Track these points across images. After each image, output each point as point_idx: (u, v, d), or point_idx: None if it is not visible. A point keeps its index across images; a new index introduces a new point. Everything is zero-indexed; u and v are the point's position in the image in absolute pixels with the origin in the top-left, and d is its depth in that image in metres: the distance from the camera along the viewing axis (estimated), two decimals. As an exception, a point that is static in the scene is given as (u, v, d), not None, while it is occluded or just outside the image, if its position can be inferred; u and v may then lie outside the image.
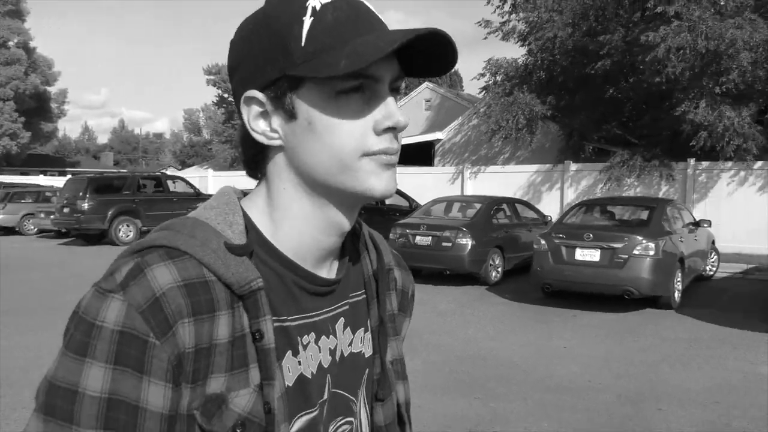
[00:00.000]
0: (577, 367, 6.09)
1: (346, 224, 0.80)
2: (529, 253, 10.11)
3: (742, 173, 13.77)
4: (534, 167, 17.13)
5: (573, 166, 16.28)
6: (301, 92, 0.74)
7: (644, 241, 8.26)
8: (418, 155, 21.43)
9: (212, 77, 44.39)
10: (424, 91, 27.57)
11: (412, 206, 14.56)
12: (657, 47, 12.65)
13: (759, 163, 13.58)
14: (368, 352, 0.89)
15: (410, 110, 27.04)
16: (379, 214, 13.67)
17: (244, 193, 0.84)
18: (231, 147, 41.84)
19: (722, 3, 13.06)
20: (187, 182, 18.88)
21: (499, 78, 17.35)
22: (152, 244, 0.71)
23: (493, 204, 11.50)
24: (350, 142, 0.74)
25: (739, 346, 6.84)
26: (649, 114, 16.05)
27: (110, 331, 0.66)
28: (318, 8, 0.72)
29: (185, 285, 0.69)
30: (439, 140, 22.20)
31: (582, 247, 8.59)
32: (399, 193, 14.76)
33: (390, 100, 0.75)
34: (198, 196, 17.69)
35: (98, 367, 0.65)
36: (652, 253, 8.19)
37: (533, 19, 16.42)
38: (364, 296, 0.90)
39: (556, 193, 16.45)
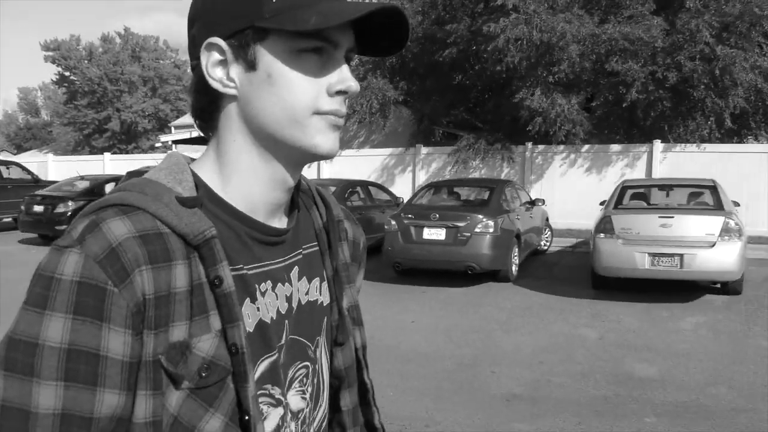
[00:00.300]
0: (422, 338, 6.51)
1: (290, 180, 0.85)
2: (381, 234, 10.49)
3: (572, 156, 15.09)
4: (387, 150, 17.65)
5: (424, 150, 16.97)
6: (264, 44, 0.78)
7: (484, 220, 8.89)
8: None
9: (51, 53, 41.06)
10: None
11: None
12: (497, 38, 13.46)
13: (586, 147, 14.95)
14: (326, 300, 0.95)
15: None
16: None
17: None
18: (74, 129, 39.07)
19: (554, -2, 14.13)
20: (24, 168, 17.48)
21: (353, 63, 17.58)
22: (106, 203, 0.75)
23: (347, 187, 11.79)
24: (304, 99, 0.79)
25: (565, 312, 7.62)
26: (493, 100, 17.07)
27: (69, 282, 0.68)
28: None
29: (140, 236, 0.72)
30: (295, 124, 22.14)
31: (429, 227, 9.08)
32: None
33: (344, 66, 0.82)
34: (37, 183, 16.46)
35: (58, 317, 0.68)
36: (491, 230, 8.84)
37: (386, 6, 16.81)
38: (317, 248, 0.95)
39: (408, 175, 17.08)
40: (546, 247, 12.33)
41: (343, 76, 0.81)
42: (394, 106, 17.31)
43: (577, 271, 10.09)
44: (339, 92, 0.81)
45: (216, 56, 0.79)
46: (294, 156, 0.83)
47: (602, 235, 8.13)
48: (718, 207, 8.25)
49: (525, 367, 5.57)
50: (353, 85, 0.81)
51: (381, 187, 13.47)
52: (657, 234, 7.77)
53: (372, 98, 16.30)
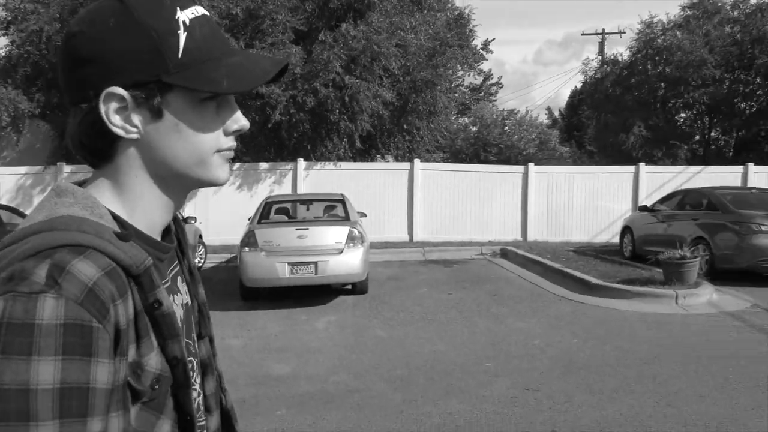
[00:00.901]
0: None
1: (182, 203, 0.95)
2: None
3: (225, 173, 15.54)
4: (23, 169, 15.90)
5: (67, 168, 15.71)
6: (170, 96, 0.83)
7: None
8: None
9: None
10: None
11: None
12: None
13: (237, 165, 15.54)
14: (188, 299, 1.02)
15: None
16: None
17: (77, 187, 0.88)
18: None
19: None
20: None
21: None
22: (55, 244, 0.75)
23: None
24: (209, 142, 0.87)
25: (216, 325, 7.79)
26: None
27: (54, 326, 0.70)
28: (188, 23, 0.83)
29: (106, 273, 0.75)
30: None
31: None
32: None
33: (237, 107, 0.90)
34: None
35: (47, 361, 0.69)
36: (138, 250, 8.68)
37: (16, 8, 15.21)
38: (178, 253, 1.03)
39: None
40: (201, 264, 12.48)
41: (236, 117, 0.91)
42: (30, 120, 15.71)
43: (230, 285, 10.44)
44: (234, 131, 0.91)
45: (115, 105, 0.82)
46: (193, 186, 0.92)
47: (247, 248, 8.62)
48: (345, 218, 9.41)
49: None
50: (246, 123, 0.92)
51: (14, 211, 12.10)
52: (295, 245, 8.55)
53: (2, 110, 14.57)
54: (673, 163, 20.70)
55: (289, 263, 8.45)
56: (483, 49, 32.18)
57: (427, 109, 16.73)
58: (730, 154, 21.38)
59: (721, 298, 8.92)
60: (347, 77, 14.30)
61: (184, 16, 0.84)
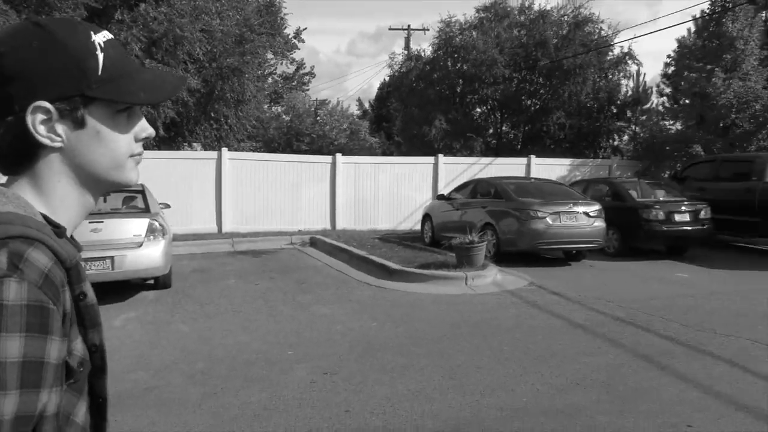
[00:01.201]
0: None
1: (94, 206, 1.04)
2: None
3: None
4: None
5: None
6: (91, 108, 0.94)
7: None
8: None
9: None
10: None
11: None
12: None
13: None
14: None
15: None
16: None
17: None
18: None
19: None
20: None
21: None
22: (6, 234, 0.83)
23: None
24: (124, 147, 0.99)
25: None
26: None
27: (18, 306, 0.79)
28: (103, 45, 0.95)
29: (54, 263, 0.86)
30: None
31: None
32: None
33: (143, 116, 1.03)
34: None
35: (13, 337, 0.78)
36: None
37: None
38: None
39: None
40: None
41: (143, 125, 1.03)
42: None
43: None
44: (143, 138, 1.04)
45: (41, 116, 0.91)
46: (108, 189, 1.03)
47: (33, 244, 7.95)
48: (145, 210, 9.02)
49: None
50: (152, 131, 1.06)
51: None
52: (88, 239, 8.03)
53: None
54: (470, 155, 22.32)
55: (81, 259, 7.92)
56: (295, 37, 32.23)
57: (235, 97, 16.48)
58: (519, 146, 23.54)
59: (505, 278, 9.91)
60: (148, 61, 13.62)
61: (98, 39, 0.96)
